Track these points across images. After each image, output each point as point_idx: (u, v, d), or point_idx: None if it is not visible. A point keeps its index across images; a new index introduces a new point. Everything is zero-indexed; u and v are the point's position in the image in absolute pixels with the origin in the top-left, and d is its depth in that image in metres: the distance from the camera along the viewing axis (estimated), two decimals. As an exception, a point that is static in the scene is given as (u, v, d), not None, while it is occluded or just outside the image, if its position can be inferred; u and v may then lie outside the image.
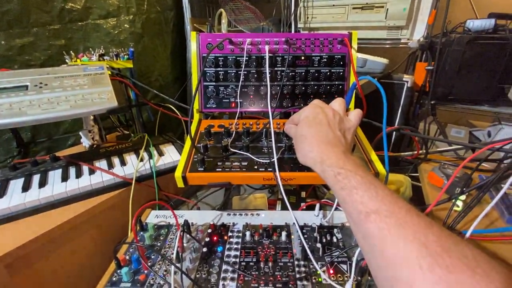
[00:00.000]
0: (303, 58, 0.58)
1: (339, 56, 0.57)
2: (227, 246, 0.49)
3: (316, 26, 0.98)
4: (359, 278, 0.41)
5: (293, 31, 0.98)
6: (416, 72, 0.84)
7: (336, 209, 0.53)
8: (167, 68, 1.22)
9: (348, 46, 0.56)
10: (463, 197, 0.47)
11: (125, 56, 0.79)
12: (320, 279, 0.42)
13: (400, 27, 0.86)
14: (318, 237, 0.49)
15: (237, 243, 0.50)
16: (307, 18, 0.97)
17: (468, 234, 0.35)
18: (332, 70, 0.58)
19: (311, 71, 0.58)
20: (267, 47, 0.54)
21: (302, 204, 0.60)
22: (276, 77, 0.58)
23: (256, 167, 0.47)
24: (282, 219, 0.55)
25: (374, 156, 0.48)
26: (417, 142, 0.61)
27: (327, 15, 0.94)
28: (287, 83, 0.58)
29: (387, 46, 0.90)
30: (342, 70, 0.58)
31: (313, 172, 0.43)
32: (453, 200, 0.46)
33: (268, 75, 0.51)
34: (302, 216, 0.55)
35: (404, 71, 0.92)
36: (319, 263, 0.45)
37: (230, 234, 0.52)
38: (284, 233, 0.50)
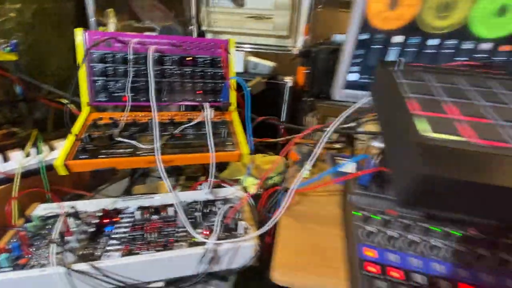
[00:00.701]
0: (190, 58, 0.67)
1: (219, 59, 0.69)
2: (117, 225, 0.54)
3: (219, 30, 1.09)
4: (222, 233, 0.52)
5: (194, 34, 1.07)
6: (297, 75, 1.03)
7: (219, 186, 0.64)
8: (67, 62, 1.15)
9: (225, 52, 0.68)
10: (309, 167, 0.64)
11: (7, 48, 0.74)
12: (194, 239, 0.52)
13: (285, 36, 1.04)
14: (200, 209, 0.59)
15: (127, 222, 0.56)
16: (210, 22, 1.07)
17: (294, 187, 0.50)
18: (214, 71, 0.69)
19: (196, 70, 0.67)
20: (151, 48, 0.61)
21: (195, 183, 0.70)
22: (165, 74, 0.65)
23: (139, 152, 0.54)
24: (174, 199, 0.63)
25: (242, 140, 0.61)
26: (283, 129, 0.78)
27: (227, 21, 1.06)
28: (177, 80, 0.66)
29: (277, 52, 1.07)
30: (222, 71, 0.69)
31: (191, 154, 0.53)
32: (301, 170, 0.62)
33: (151, 73, 0.58)
34: (192, 195, 0.65)
35: (291, 74, 1.10)
36: (198, 228, 0.54)
37: (121, 216, 0.57)
38: (171, 209, 0.58)
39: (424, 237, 0.39)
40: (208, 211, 0.59)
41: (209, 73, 0.68)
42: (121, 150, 0.53)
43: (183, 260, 0.49)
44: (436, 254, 0.37)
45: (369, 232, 0.40)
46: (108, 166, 0.51)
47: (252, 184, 0.71)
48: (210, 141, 0.56)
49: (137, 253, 0.48)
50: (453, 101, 0.30)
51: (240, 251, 0.52)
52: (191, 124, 0.61)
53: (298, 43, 1.06)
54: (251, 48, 1.06)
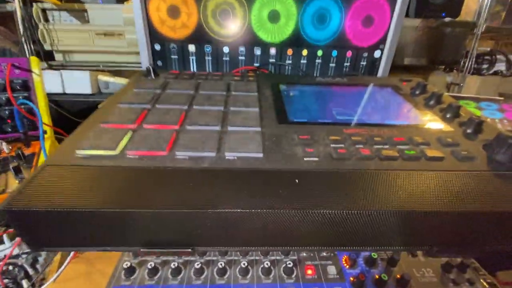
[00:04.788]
0: (-30, 83, 0.54)
1: (20, 81, 0.58)
2: None
3: (67, 49, 0.97)
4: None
5: (27, 54, 0.93)
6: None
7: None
8: None
9: (27, 72, 0.58)
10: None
11: None
12: None
13: (142, 52, 0.98)
14: None
15: None
16: (54, 40, 0.95)
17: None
18: (15, 95, 0.58)
19: (-15, 96, 0.55)
20: None
21: None
22: None
23: None
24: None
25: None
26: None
27: (74, 39, 0.95)
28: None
29: (135, 69, 1.01)
30: (27, 93, 0.59)
31: None
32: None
33: None
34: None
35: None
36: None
37: None
38: None
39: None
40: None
41: (5, 98, 0.57)
42: None
43: None
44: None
45: (129, 270, 0.35)
46: None
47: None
48: (-22, 182, 0.44)
49: None
50: (161, 107, 0.28)
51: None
52: (-36, 163, 0.49)
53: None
54: (104, 67, 0.98)
